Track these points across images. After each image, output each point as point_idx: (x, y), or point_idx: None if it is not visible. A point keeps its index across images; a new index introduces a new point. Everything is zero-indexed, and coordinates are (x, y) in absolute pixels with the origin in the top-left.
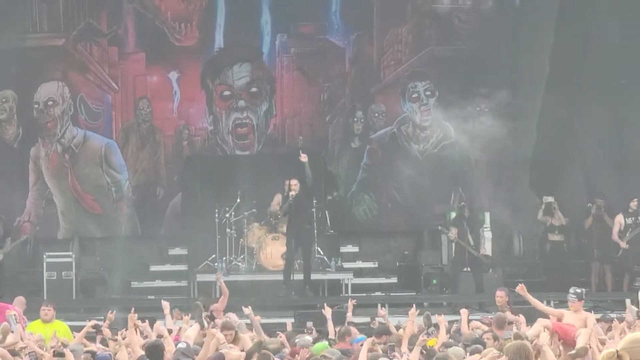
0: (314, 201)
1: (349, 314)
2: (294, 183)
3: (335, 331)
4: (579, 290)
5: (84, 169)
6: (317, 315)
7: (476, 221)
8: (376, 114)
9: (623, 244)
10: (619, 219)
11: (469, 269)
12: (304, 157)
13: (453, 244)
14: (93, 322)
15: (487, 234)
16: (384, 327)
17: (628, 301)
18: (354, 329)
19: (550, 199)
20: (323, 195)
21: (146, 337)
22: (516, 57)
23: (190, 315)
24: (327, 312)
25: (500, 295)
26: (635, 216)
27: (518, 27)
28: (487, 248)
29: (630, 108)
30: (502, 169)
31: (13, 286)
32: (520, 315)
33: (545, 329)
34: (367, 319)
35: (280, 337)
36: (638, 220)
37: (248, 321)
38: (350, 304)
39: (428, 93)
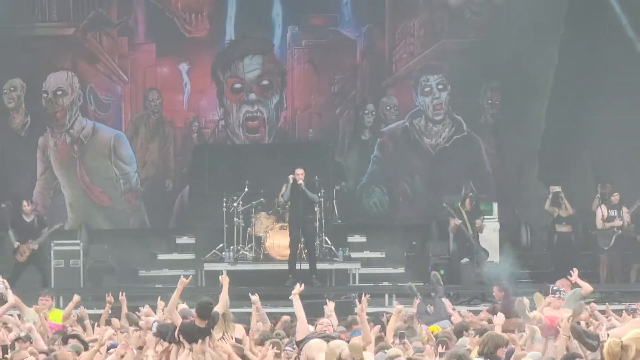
0: (322, 191)
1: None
2: (300, 172)
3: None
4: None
5: (93, 160)
6: (323, 305)
7: (476, 213)
8: (388, 107)
9: (618, 223)
10: (602, 208)
11: (468, 259)
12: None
13: (452, 234)
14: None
15: (495, 225)
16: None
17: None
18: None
19: (557, 188)
20: (331, 186)
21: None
22: (526, 48)
23: None
24: (330, 306)
25: (495, 291)
26: (618, 208)
27: (529, 18)
28: (491, 239)
29: None
30: (511, 160)
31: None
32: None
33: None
34: (374, 309)
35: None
36: (621, 214)
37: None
38: (364, 299)
39: (440, 87)
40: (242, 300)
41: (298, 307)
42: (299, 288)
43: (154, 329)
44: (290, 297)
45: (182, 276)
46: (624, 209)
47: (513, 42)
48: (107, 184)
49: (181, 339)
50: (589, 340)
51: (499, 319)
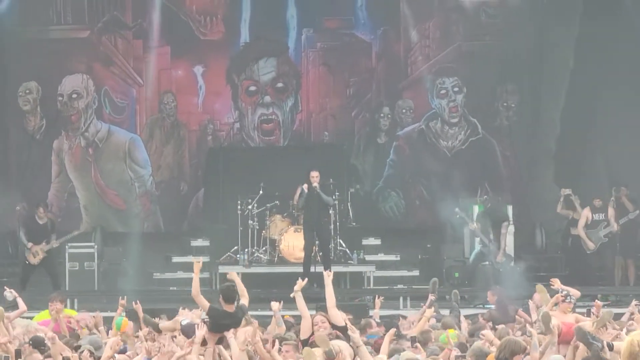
0: (336, 193)
1: (377, 310)
2: (315, 175)
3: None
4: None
5: (108, 163)
6: (338, 308)
7: (497, 215)
8: (404, 110)
9: (591, 245)
10: (586, 212)
11: (488, 262)
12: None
13: (477, 238)
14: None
15: (510, 228)
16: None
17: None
18: (374, 322)
19: (567, 191)
20: (345, 189)
21: None
22: (541, 51)
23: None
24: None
25: (489, 296)
26: (603, 212)
27: (544, 21)
28: (507, 243)
29: None
30: (526, 163)
31: (36, 275)
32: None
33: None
34: (388, 312)
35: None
36: (607, 218)
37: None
38: (378, 301)
39: (456, 89)
40: (256, 303)
41: (301, 305)
42: (300, 284)
43: (182, 325)
44: (292, 295)
45: (194, 261)
46: (610, 210)
47: (528, 44)
48: (122, 187)
49: (205, 333)
50: (594, 341)
51: (487, 335)
